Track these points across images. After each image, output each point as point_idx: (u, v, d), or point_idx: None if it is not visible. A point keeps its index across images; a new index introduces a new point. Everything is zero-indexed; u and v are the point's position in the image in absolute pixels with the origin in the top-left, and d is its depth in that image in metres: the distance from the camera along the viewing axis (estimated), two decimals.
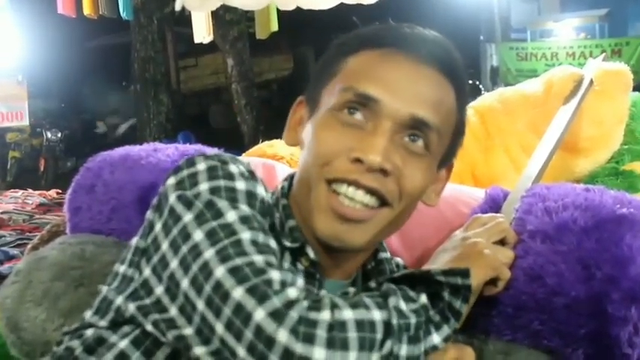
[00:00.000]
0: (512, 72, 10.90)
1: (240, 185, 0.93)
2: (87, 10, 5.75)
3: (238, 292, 0.80)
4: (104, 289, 0.98)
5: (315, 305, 0.81)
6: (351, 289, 0.90)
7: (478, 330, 1.05)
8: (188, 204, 0.90)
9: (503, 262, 1.04)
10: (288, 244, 0.98)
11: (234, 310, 0.80)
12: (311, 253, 0.98)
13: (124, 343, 0.91)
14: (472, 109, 1.66)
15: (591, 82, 1.52)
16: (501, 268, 1.03)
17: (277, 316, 0.78)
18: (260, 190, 0.95)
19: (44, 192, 5.60)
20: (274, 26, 5.20)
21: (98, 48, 14.68)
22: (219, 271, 0.82)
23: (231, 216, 0.88)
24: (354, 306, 0.83)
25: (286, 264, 0.96)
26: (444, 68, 0.99)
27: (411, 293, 0.90)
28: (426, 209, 1.07)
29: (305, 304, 0.80)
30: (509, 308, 1.04)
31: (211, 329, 0.81)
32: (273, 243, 0.89)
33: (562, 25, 11.57)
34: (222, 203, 0.89)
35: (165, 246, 0.89)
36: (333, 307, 0.81)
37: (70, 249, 1.35)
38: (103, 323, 0.94)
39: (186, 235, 0.87)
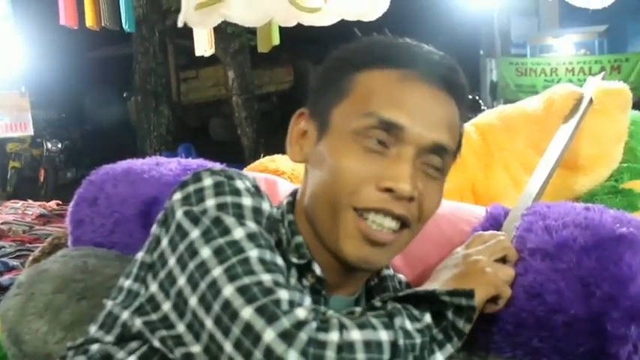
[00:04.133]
0: (512, 87, 10.92)
1: (247, 201, 0.93)
2: (89, 21, 5.76)
3: (247, 312, 0.81)
4: (109, 303, 0.97)
5: (324, 326, 0.81)
6: (357, 309, 0.91)
7: (478, 347, 1.06)
8: (195, 220, 0.90)
9: (505, 280, 1.04)
10: (294, 260, 0.98)
11: (243, 330, 0.80)
12: (317, 270, 0.98)
13: None
14: (473, 125, 1.66)
15: (591, 100, 1.53)
16: (502, 287, 1.03)
17: (287, 336, 0.79)
18: (266, 206, 0.96)
19: (44, 203, 5.61)
20: (276, 40, 5.20)
21: (99, 59, 14.71)
22: (228, 290, 0.82)
23: (238, 233, 0.88)
24: (362, 326, 0.84)
25: (292, 280, 0.96)
26: (453, 90, 1.00)
27: (415, 312, 0.90)
28: (427, 227, 1.08)
29: (314, 325, 0.81)
30: (509, 325, 1.04)
31: (220, 348, 0.82)
32: (280, 260, 0.90)
33: (562, 41, 11.61)
34: (229, 220, 0.89)
35: (172, 262, 0.89)
36: (342, 327, 0.82)
37: (73, 262, 1.35)
38: (109, 339, 0.93)
39: (193, 251, 0.87)
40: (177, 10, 3.95)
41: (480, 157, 1.60)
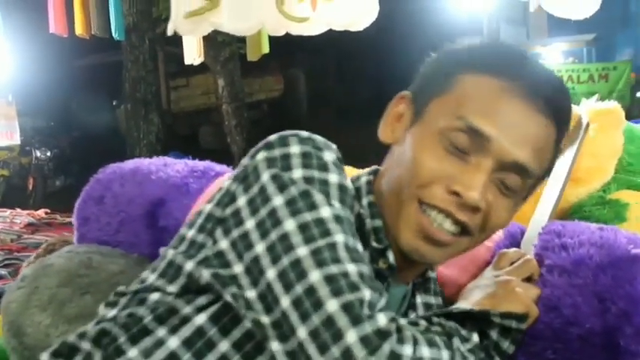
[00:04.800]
0: None
1: (334, 178, 0.91)
2: (79, 30, 5.75)
3: (332, 305, 0.80)
4: (170, 252, 0.95)
5: (401, 338, 0.82)
6: (422, 322, 0.91)
7: None
8: (282, 187, 0.89)
9: (533, 300, 1.06)
10: (374, 244, 0.98)
11: (324, 322, 0.80)
12: (391, 258, 0.99)
13: (201, 319, 0.89)
14: None
15: (587, 125, 1.55)
16: (531, 306, 1.04)
17: (369, 344, 0.79)
18: (349, 182, 0.95)
19: (32, 212, 5.59)
20: (265, 49, 5.21)
21: (88, 67, 14.67)
22: (315, 276, 0.82)
23: (325, 211, 0.87)
24: (430, 344, 0.85)
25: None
26: (554, 113, 0.98)
27: (464, 332, 0.93)
28: None
29: (395, 337, 0.81)
30: (525, 336, 1.06)
31: (292, 329, 0.82)
32: (360, 246, 0.90)
33: (550, 49, 11.68)
34: (317, 196, 0.88)
35: (250, 224, 0.88)
36: (415, 342, 0.83)
37: (78, 257, 1.37)
38: (173, 289, 0.92)
39: (276, 220, 0.86)
40: (168, 19, 3.96)
41: None
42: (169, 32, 3.88)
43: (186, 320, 0.89)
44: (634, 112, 8.78)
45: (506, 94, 0.96)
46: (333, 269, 0.82)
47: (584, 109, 1.62)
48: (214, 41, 9.67)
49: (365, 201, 1.01)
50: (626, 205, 1.50)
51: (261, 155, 0.93)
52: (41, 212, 5.51)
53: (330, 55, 12.97)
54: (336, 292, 0.81)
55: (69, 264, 1.34)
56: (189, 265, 0.91)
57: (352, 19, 3.97)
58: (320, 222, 0.86)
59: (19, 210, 5.56)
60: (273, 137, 0.95)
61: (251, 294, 0.85)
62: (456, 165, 0.95)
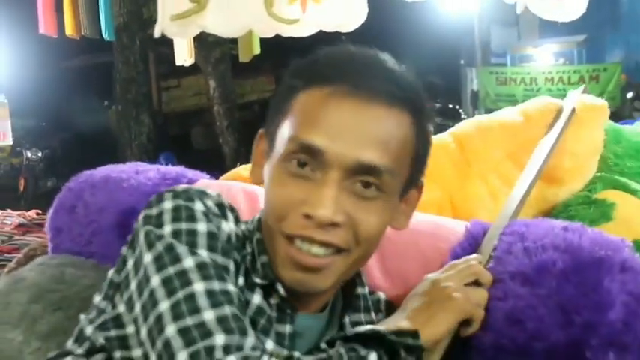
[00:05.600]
0: (492, 96, 10.95)
1: (202, 227, 0.93)
2: (69, 30, 5.72)
3: (182, 356, 0.83)
4: (82, 317, 1.01)
5: None
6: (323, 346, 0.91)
7: None
8: (150, 244, 0.92)
9: (476, 303, 1.03)
10: (258, 280, 0.98)
11: None
12: (281, 290, 0.97)
13: None
14: (451, 135, 1.66)
15: (573, 110, 1.53)
16: (473, 309, 1.02)
17: None
18: (226, 227, 0.96)
19: (24, 212, 5.55)
20: (256, 50, 5.20)
21: (79, 67, 14.62)
22: (170, 330, 0.85)
23: (188, 262, 0.89)
24: None
25: (258, 297, 0.97)
26: (395, 96, 0.93)
27: (363, 352, 0.89)
28: (405, 243, 1.07)
29: None
30: (489, 350, 1.04)
31: None
32: (231, 287, 0.90)
33: (541, 51, 11.70)
34: (181, 248, 0.90)
35: (133, 286, 0.92)
36: None
37: (50, 271, 1.35)
38: (80, 351, 0.97)
39: (146, 278, 0.90)
40: None
41: (458, 168, 1.60)
42: (156, 35, 3.86)
43: None
44: (624, 113, 8.80)
45: (332, 99, 0.92)
46: (188, 321, 0.85)
47: (572, 96, 1.62)
48: (205, 42, 9.65)
49: (254, 238, 1.01)
50: (612, 205, 1.49)
51: (142, 217, 0.96)
52: (32, 213, 5.46)
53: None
54: (188, 343, 0.83)
55: (40, 278, 1.33)
56: (89, 330, 0.97)
57: (341, 21, 3.95)
58: (181, 273, 0.88)
59: (9, 211, 5.52)
60: (154, 197, 0.98)
61: (137, 352, 0.91)
62: (304, 188, 0.92)
